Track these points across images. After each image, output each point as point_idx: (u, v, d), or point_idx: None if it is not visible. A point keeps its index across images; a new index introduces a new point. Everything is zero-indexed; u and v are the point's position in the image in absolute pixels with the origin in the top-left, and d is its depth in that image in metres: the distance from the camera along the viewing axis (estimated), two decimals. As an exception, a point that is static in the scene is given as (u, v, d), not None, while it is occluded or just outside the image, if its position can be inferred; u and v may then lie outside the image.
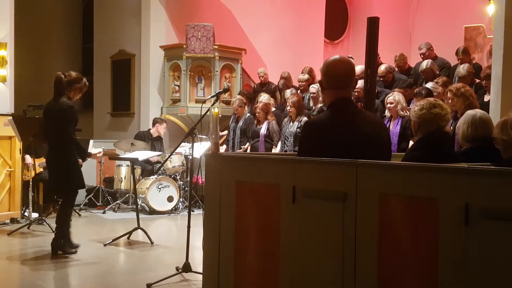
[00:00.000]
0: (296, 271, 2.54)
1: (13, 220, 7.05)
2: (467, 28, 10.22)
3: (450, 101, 5.15)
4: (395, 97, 6.04)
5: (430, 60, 7.27)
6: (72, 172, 5.38)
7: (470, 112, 3.71)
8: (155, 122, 9.07)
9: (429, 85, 6.36)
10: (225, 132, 8.60)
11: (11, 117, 6.40)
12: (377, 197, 2.25)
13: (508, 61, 4.93)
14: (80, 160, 7.99)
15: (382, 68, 7.72)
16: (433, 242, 2.08)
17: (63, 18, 12.62)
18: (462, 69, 6.68)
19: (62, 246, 5.35)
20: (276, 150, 7.50)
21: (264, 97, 8.08)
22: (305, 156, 2.64)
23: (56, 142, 5.36)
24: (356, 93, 6.45)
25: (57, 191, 5.53)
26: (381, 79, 7.69)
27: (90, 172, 9.02)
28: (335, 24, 12.40)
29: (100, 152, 7.30)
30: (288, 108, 7.44)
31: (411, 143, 5.76)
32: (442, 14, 10.79)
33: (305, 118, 7.22)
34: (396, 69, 8.20)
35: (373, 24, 3.64)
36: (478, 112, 3.69)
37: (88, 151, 6.35)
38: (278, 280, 2.63)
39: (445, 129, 3.25)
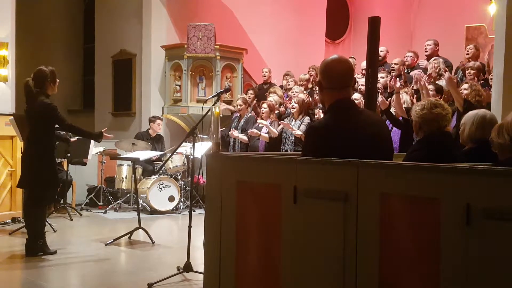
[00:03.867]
0: (297, 271, 2.54)
1: (14, 220, 7.06)
2: (468, 28, 10.20)
3: (464, 85, 5.23)
4: (402, 97, 6.03)
5: (438, 58, 7.25)
6: (45, 169, 5.25)
7: (480, 113, 3.57)
8: (149, 121, 9.09)
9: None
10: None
11: (12, 117, 6.40)
12: (378, 197, 2.25)
13: (510, 61, 4.93)
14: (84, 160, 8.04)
15: (395, 60, 7.71)
16: (434, 242, 2.08)
17: (65, 18, 12.64)
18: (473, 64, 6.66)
19: (42, 247, 5.29)
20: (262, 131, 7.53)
21: (274, 97, 8.09)
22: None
23: (35, 139, 5.29)
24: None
25: (27, 186, 5.43)
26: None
27: (91, 172, 9.04)
28: (336, 24, 12.38)
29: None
30: (292, 104, 7.38)
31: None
32: (444, 13, 10.77)
33: (307, 118, 7.19)
34: (405, 63, 8.11)
35: (374, 24, 3.63)
36: (487, 113, 3.60)
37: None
38: (279, 280, 2.63)
39: (446, 129, 3.25)
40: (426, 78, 5.91)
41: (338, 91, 2.69)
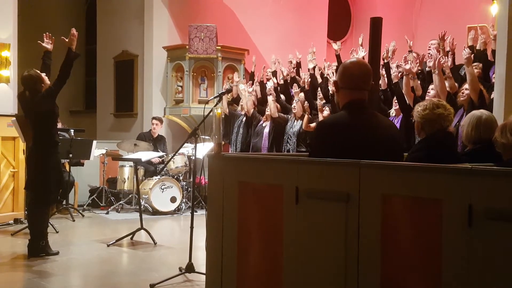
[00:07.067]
0: (299, 272, 2.54)
1: (16, 221, 7.06)
2: (470, 28, 10.19)
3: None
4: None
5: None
6: (49, 170, 5.28)
7: (476, 114, 3.62)
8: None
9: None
10: None
11: (14, 118, 6.41)
12: (380, 197, 2.25)
13: (512, 61, 4.91)
14: (83, 161, 8.07)
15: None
16: (436, 243, 2.07)
17: (66, 19, 12.65)
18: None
19: (44, 248, 5.29)
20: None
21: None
22: (317, 155, 2.61)
23: (38, 141, 5.31)
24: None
25: (32, 187, 5.44)
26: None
27: (93, 173, 9.05)
28: (338, 25, 12.37)
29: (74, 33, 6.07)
30: (294, 104, 7.38)
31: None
32: (445, 14, 10.75)
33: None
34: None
35: (376, 24, 3.63)
36: (484, 114, 3.61)
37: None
38: (281, 280, 2.62)
39: (448, 129, 3.25)
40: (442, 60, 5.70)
41: (352, 92, 2.70)
